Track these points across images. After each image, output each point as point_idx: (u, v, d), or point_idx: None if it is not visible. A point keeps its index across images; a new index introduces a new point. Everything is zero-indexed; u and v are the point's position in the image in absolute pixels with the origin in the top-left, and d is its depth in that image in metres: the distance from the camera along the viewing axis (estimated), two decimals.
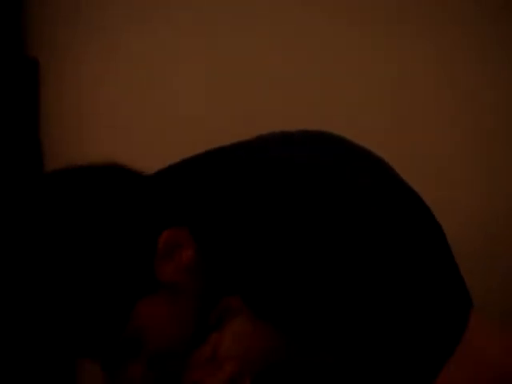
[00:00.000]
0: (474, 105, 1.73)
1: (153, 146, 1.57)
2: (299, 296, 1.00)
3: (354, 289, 0.97)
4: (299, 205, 0.98)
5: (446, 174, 1.75)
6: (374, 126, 1.73)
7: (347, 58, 1.73)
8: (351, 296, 0.97)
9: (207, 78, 1.75)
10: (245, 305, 1.02)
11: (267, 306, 1.03)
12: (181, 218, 0.99)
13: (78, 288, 0.90)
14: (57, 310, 0.90)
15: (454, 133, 1.74)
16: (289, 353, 1.04)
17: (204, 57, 1.75)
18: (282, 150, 1.03)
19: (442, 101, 1.74)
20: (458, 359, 0.96)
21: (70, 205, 0.92)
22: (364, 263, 0.96)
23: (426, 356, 0.96)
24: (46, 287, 0.90)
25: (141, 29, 1.76)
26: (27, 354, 0.93)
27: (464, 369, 0.96)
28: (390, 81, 1.73)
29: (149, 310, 0.94)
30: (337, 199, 0.98)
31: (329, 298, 0.99)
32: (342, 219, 0.97)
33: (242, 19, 1.75)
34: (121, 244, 0.92)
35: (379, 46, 1.72)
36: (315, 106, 1.73)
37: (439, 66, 1.73)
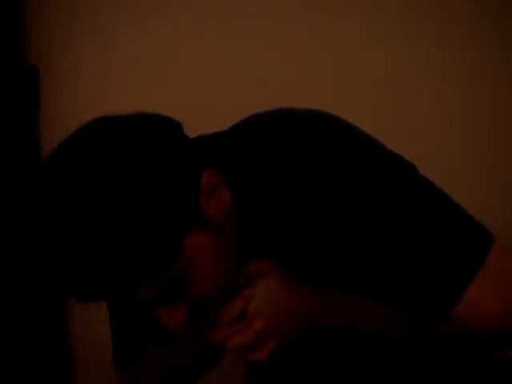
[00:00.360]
0: (473, 104, 1.73)
1: None
2: (330, 248, 1.05)
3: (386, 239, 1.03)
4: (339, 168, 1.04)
5: (445, 174, 1.75)
6: (374, 126, 1.73)
7: (347, 57, 1.73)
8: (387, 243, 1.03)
9: (206, 79, 1.75)
10: (275, 266, 1.06)
11: (298, 262, 1.07)
12: (216, 167, 1.04)
13: (140, 218, 0.93)
14: (124, 239, 0.93)
15: (454, 132, 1.74)
16: (320, 319, 1.07)
17: (203, 57, 1.75)
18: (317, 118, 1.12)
19: (442, 101, 1.74)
20: (480, 281, 1.02)
21: (126, 151, 0.96)
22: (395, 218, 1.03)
23: (449, 279, 1.02)
24: (113, 221, 0.93)
25: (140, 32, 1.76)
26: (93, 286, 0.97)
27: (485, 290, 1.02)
28: (389, 81, 1.74)
29: (198, 239, 0.99)
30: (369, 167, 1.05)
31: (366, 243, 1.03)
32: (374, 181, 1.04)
33: (241, 19, 1.75)
34: (170, 179, 0.96)
35: (379, 46, 1.72)
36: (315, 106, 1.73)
37: (439, 65, 1.73)
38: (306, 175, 1.04)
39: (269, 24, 1.73)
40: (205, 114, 1.71)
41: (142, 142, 0.97)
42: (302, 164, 1.05)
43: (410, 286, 1.03)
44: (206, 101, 1.74)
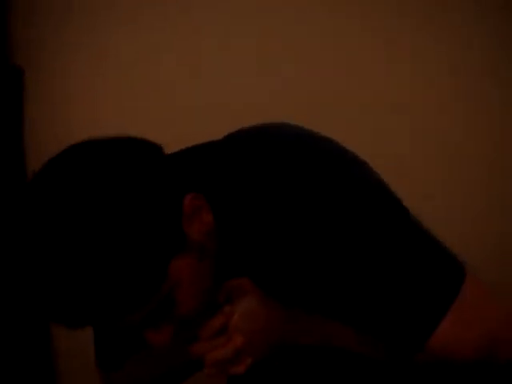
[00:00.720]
0: (473, 104, 1.73)
1: None
2: (307, 273, 1.07)
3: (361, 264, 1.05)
4: (321, 191, 1.05)
5: (444, 165, 1.75)
6: (374, 126, 1.74)
7: (346, 53, 1.73)
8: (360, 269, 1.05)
9: (199, 82, 1.74)
10: (255, 285, 1.09)
11: (276, 283, 1.09)
12: (197, 188, 1.05)
13: (124, 247, 0.94)
14: (111, 271, 0.94)
15: (453, 132, 1.74)
16: (295, 339, 1.10)
17: (196, 59, 1.75)
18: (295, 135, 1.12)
19: (442, 100, 1.74)
20: (454, 314, 1.04)
21: (110, 180, 0.96)
22: (369, 245, 1.05)
23: (423, 313, 1.04)
24: (100, 252, 0.93)
25: (130, 35, 1.75)
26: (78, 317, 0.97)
27: (459, 323, 1.04)
28: (389, 82, 1.73)
29: (182, 263, 1.01)
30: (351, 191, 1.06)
31: (341, 273, 1.05)
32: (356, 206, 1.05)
33: (239, 19, 1.74)
34: (154, 208, 0.98)
35: (379, 46, 1.72)
36: (316, 106, 1.74)
37: (439, 65, 1.72)
38: (288, 197, 1.06)
39: (267, 20, 1.73)
40: (198, 118, 1.71)
41: (125, 169, 0.98)
42: (283, 187, 1.06)
43: (385, 317, 1.06)
44: (199, 105, 1.73)
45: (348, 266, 1.05)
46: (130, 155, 1.00)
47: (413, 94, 1.73)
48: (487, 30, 1.70)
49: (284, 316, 1.09)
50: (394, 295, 1.04)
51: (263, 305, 1.08)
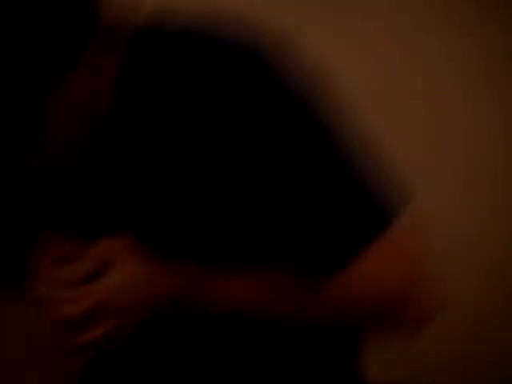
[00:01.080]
0: (474, 104, 1.73)
1: None
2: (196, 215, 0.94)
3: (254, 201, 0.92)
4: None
5: (445, 165, 1.75)
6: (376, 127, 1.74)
7: (346, 50, 1.73)
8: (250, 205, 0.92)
9: None
10: (137, 245, 0.93)
11: (159, 223, 0.95)
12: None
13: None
14: None
15: (453, 132, 1.74)
16: (177, 304, 0.95)
17: None
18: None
19: (442, 100, 1.74)
20: (379, 250, 0.92)
21: None
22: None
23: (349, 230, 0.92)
24: None
25: None
26: None
27: (382, 262, 0.92)
28: (388, 82, 1.74)
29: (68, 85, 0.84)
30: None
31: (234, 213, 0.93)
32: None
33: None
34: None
35: (379, 46, 1.72)
36: None
37: (439, 65, 1.73)
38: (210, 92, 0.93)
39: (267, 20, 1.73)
40: None
41: None
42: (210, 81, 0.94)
43: (304, 229, 0.92)
44: None
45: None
46: None
47: (412, 94, 1.73)
48: (487, 29, 1.70)
49: (171, 276, 0.93)
50: (317, 208, 0.91)
51: (146, 267, 0.92)
